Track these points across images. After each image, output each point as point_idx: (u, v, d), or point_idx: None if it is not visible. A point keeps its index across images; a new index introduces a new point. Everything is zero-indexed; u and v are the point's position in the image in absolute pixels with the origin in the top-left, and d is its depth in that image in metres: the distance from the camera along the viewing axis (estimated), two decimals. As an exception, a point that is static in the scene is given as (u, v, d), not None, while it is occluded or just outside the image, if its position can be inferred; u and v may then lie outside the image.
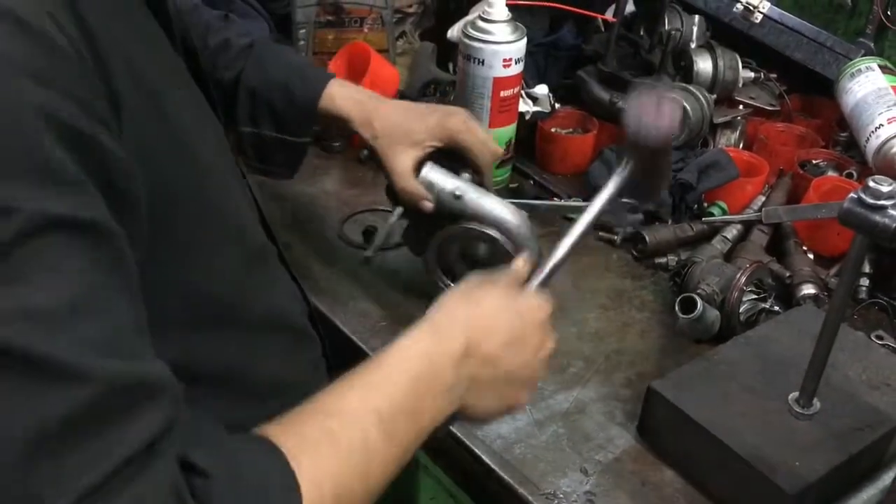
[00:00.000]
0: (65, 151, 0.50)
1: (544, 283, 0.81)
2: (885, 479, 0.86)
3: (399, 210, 1.04)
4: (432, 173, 1.01)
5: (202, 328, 0.70)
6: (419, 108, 1.06)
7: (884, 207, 0.67)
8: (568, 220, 1.19)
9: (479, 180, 1.04)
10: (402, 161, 1.01)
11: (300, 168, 1.12)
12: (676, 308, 1.03)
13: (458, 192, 1.00)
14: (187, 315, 0.68)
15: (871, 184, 0.67)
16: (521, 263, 0.82)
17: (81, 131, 0.51)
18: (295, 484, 0.56)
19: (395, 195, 1.04)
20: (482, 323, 0.74)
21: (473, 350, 0.72)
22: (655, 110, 0.77)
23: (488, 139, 1.06)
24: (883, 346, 1.08)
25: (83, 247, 0.50)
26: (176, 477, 0.51)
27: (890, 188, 0.68)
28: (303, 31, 1.47)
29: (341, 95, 1.04)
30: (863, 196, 0.68)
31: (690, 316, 1.02)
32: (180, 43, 0.78)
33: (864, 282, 1.17)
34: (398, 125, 1.02)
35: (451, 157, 1.03)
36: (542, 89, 1.43)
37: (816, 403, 0.86)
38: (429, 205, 1.01)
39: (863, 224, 0.68)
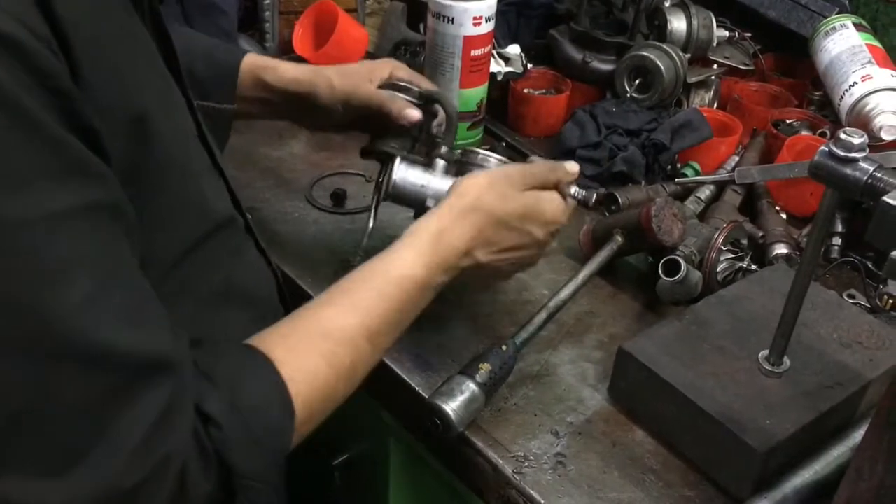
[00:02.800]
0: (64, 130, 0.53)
1: (582, 200, 0.93)
2: (855, 437, 0.85)
3: (372, 213, 0.98)
4: (399, 172, 0.94)
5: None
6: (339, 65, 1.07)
7: (855, 160, 0.66)
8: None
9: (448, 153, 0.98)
10: (365, 83, 1.00)
11: (266, 131, 1.09)
12: (659, 271, 1.02)
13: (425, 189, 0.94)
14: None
15: (843, 136, 0.66)
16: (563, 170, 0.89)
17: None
18: (290, 418, 0.64)
19: (374, 151, 0.99)
20: (487, 233, 0.81)
21: (469, 258, 0.80)
22: (672, 224, 1.02)
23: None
24: (855, 304, 1.07)
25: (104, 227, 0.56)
26: (197, 430, 0.58)
27: (861, 140, 0.66)
28: (268, -11, 1.43)
29: (266, 59, 1.03)
30: (834, 149, 0.66)
31: (674, 279, 1.00)
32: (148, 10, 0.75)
33: (837, 241, 1.17)
34: (340, 63, 1.04)
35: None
36: (514, 49, 1.41)
37: (786, 361, 0.86)
38: (415, 113, 0.97)
39: (833, 177, 0.67)
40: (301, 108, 1.03)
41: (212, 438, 0.59)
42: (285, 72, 1.02)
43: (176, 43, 0.98)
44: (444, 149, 0.95)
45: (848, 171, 0.66)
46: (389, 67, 1.03)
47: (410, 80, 1.03)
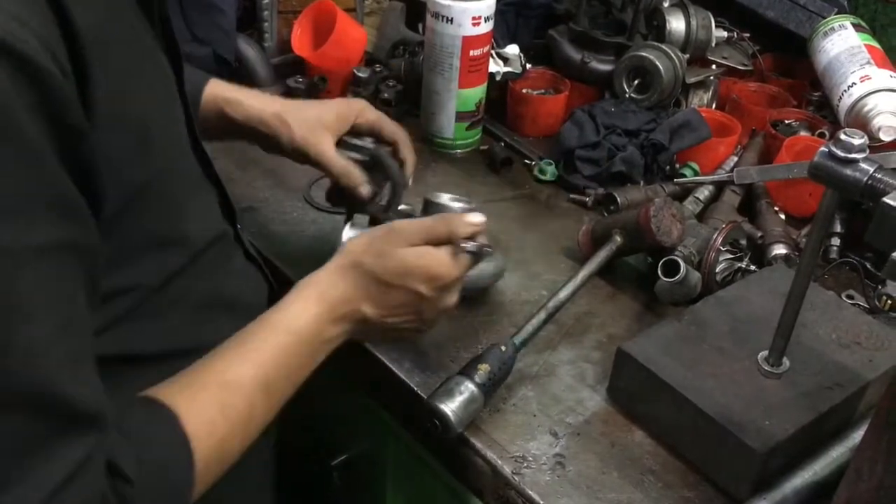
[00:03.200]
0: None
1: (477, 253, 0.85)
2: (855, 438, 0.85)
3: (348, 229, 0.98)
4: (346, 235, 0.94)
5: (141, 313, 0.70)
6: (316, 101, 1.05)
7: (854, 161, 0.66)
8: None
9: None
10: (324, 141, 0.99)
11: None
12: (658, 271, 1.02)
13: None
14: (126, 302, 0.69)
15: (843, 137, 0.66)
16: (461, 223, 0.85)
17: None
18: (193, 474, 0.64)
19: (339, 198, 1.01)
20: (369, 291, 0.80)
21: (356, 313, 0.80)
22: (671, 224, 1.02)
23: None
24: (854, 305, 1.07)
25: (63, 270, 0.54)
26: (105, 488, 0.57)
27: (861, 141, 0.66)
28: (267, -11, 1.43)
29: (228, 85, 1.01)
30: (834, 149, 0.66)
31: (674, 279, 1.00)
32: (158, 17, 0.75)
33: (836, 241, 1.17)
34: (302, 108, 1.00)
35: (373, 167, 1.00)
36: (512, 49, 1.41)
37: (786, 362, 0.86)
38: (366, 189, 0.98)
39: (833, 178, 0.67)
40: (265, 144, 1.03)
41: (121, 495, 0.58)
42: (250, 108, 0.99)
43: None
44: (394, 211, 0.96)
45: (848, 171, 0.66)
46: (356, 111, 1.01)
47: (377, 122, 1.01)
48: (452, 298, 0.86)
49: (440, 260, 0.83)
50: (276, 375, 0.72)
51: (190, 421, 0.64)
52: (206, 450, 0.65)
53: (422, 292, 0.82)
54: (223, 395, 0.68)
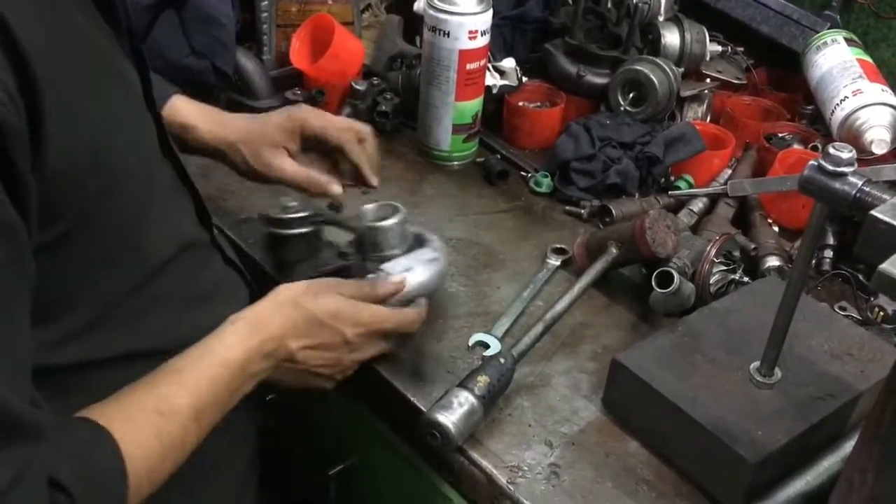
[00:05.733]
0: None
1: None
2: (846, 448, 0.86)
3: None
4: None
5: (109, 321, 0.73)
6: (261, 115, 1.05)
7: (843, 174, 0.67)
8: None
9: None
10: (278, 158, 1.01)
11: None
12: (653, 283, 1.03)
13: None
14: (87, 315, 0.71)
15: (832, 151, 0.67)
16: (383, 286, 0.91)
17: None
18: (126, 493, 0.65)
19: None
20: (300, 326, 0.84)
21: (284, 349, 0.83)
22: (666, 236, 1.04)
23: (344, 120, 1.06)
24: (846, 316, 1.08)
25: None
26: (46, 498, 0.58)
27: (850, 155, 0.67)
28: (265, 2, 1.44)
29: (186, 106, 1.03)
30: (823, 163, 0.67)
31: (667, 290, 1.01)
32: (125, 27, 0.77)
33: (828, 254, 1.18)
34: (251, 129, 1.01)
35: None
36: (509, 62, 1.42)
37: (778, 373, 0.87)
38: (337, 188, 1.01)
39: (822, 191, 0.68)
40: (228, 167, 1.05)
41: None
42: (204, 135, 1.02)
43: None
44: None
45: (837, 185, 0.67)
46: (300, 123, 1.02)
47: (322, 130, 1.02)
48: (371, 350, 0.91)
49: (374, 310, 0.90)
50: (207, 404, 0.75)
51: (125, 443, 0.66)
52: (139, 472, 0.66)
53: (347, 336, 0.87)
54: (160, 422, 0.70)
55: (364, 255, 0.96)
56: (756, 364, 0.87)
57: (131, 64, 0.77)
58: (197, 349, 0.78)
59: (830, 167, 0.67)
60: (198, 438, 0.74)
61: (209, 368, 0.77)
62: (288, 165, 1.02)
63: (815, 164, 0.68)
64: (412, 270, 0.97)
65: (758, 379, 0.86)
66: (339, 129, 1.04)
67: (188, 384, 0.74)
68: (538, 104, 1.46)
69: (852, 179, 0.68)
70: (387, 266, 0.94)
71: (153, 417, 0.70)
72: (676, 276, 1.01)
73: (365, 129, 1.06)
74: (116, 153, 0.68)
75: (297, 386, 0.89)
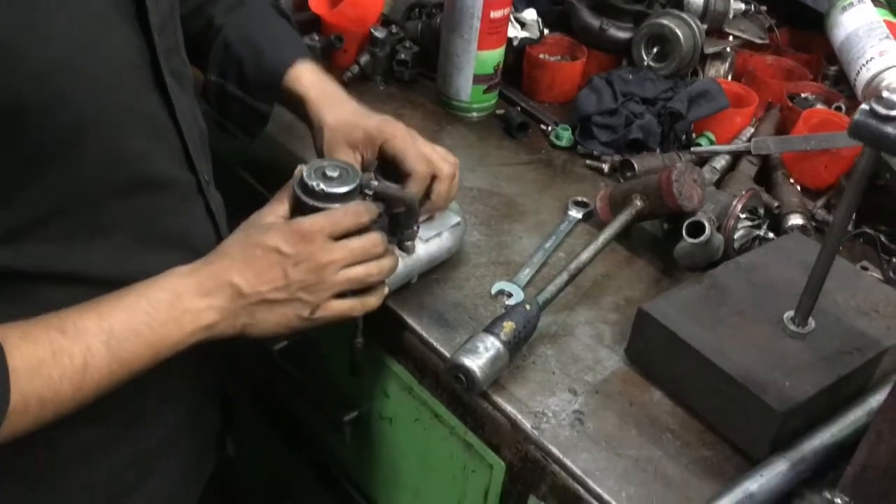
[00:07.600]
0: None
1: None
2: (872, 402, 0.86)
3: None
4: None
5: (76, 231, 0.75)
6: (366, 111, 1.01)
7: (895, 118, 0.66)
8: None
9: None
10: (345, 158, 0.97)
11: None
12: (683, 232, 1.02)
13: None
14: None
15: (885, 94, 0.66)
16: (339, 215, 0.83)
17: None
18: (5, 406, 0.65)
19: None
20: (238, 254, 0.80)
21: (232, 286, 0.78)
22: (692, 189, 1.03)
23: (432, 152, 0.97)
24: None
25: None
26: None
27: (902, 99, 0.66)
28: (284, -55, 1.41)
29: (309, 77, 1.01)
30: (875, 107, 0.66)
31: (699, 240, 1.00)
32: None
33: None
34: (344, 122, 0.98)
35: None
36: (530, 14, 1.40)
37: (812, 322, 0.86)
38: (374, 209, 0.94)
39: (873, 135, 0.67)
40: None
41: None
42: (308, 111, 1.01)
43: (235, 28, 1.02)
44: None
45: (889, 129, 0.66)
46: (387, 135, 0.96)
47: (401, 154, 0.95)
48: (334, 254, 0.81)
49: (312, 219, 0.82)
50: (122, 331, 0.73)
51: (13, 357, 0.66)
52: (24, 386, 0.66)
53: (281, 248, 0.80)
54: (60, 340, 0.69)
55: (399, 224, 0.91)
56: (790, 313, 0.87)
57: None
58: (125, 287, 0.77)
59: (883, 110, 0.66)
60: (112, 366, 0.72)
61: (129, 299, 0.75)
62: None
63: (867, 107, 0.67)
64: (441, 236, 0.97)
65: (791, 329, 0.86)
66: (415, 159, 0.95)
67: (101, 310, 0.73)
68: (559, 57, 1.44)
69: (905, 123, 0.66)
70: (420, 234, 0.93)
71: (53, 335, 0.69)
72: (708, 225, 1.00)
73: (444, 168, 0.96)
74: (41, 53, 0.66)
75: (281, 327, 0.82)
